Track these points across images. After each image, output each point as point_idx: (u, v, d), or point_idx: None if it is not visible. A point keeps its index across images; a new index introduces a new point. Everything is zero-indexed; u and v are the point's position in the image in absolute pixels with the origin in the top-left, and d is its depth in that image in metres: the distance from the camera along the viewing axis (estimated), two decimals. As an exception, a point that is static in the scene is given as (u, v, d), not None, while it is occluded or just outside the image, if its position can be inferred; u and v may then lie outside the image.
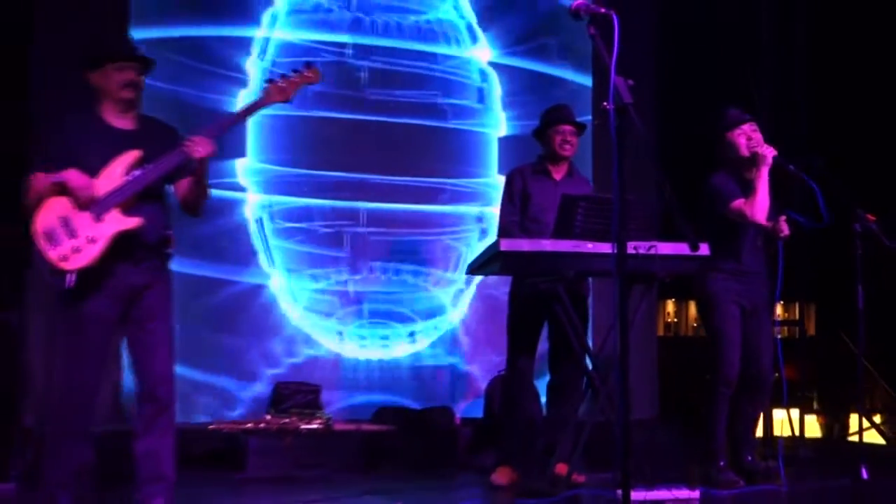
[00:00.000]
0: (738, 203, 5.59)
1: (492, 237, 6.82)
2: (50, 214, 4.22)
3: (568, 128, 5.77)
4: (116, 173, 4.28)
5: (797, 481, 5.63)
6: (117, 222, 4.24)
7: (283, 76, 4.52)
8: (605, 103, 3.17)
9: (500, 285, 7.14)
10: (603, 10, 3.24)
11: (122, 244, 4.26)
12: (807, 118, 7.93)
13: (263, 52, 6.91)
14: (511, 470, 5.73)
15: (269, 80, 4.53)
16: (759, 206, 5.54)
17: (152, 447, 4.42)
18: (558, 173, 5.83)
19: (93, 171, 4.26)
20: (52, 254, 4.17)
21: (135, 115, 4.48)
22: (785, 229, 5.65)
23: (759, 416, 6.05)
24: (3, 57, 5.62)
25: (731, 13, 7.79)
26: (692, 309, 8.90)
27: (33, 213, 4.25)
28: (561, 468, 5.48)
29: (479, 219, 7.36)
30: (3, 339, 5.41)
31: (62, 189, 4.21)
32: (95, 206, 4.22)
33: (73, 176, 4.21)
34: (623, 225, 5.16)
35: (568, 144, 5.78)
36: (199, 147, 4.29)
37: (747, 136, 5.65)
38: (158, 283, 4.44)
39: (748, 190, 5.59)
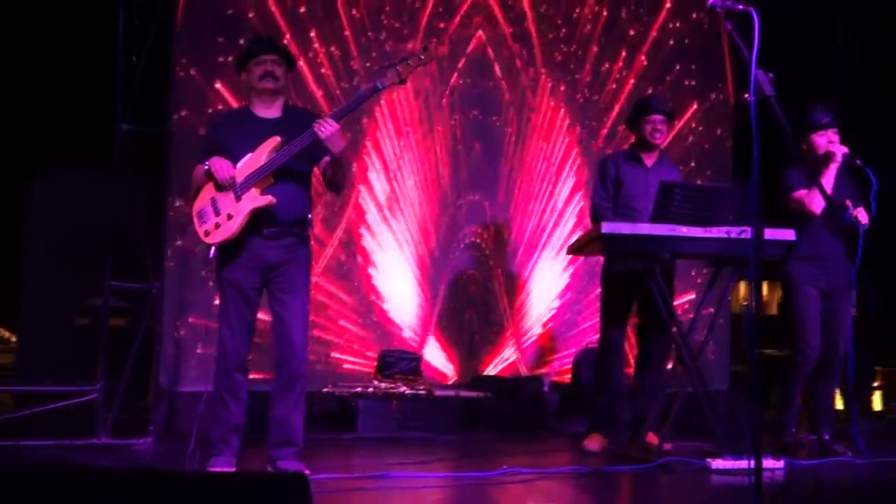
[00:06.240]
0: (800, 193, 5.57)
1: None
2: (204, 196, 4.39)
3: (658, 117, 5.68)
4: (260, 157, 4.34)
5: (872, 454, 5.48)
6: (252, 200, 4.31)
7: (401, 60, 4.45)
8: (745, 94, 3.05)
9: (592, 264, 7.07)
10: (741, 7, 3.12)
11: (258, 221, 4.33)
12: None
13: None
14: (602, 437, 5.66)
15: (388, 66, 4.47)
16: (817, 199, 5.48)
17: (285, 415, 4.46)
18: (650, 160, 5.73)
19: (242, 157, 4.37)
20: (199, 229, 4.37)
21: (281, 105, 4.53)
22: (863, 218, 5.53)
23: (834, 393, 5.89)
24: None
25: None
26: (764, 290, 8.74)
27: (194, 200, 4.44)
28: (652, 437, 5.41)
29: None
30: (147, 306, 5.42)
31: (212, 175, 4.34)
32: (237, 187, 4.31)
33: (214, 161, 4.33)
34: (720, 211, 5.18)
35: (658, 133, 5.68)
36: (325, 127, 4.28)
37: (829, 139, 5.58)
38: (295, 260, 4.46)
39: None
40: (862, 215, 5.54)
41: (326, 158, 4.45)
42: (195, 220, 4.39)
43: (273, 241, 4.39)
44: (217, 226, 4.31)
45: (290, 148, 4.32)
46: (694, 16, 7.56)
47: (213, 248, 4.36)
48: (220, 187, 4.33)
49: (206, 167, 4.35)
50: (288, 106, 4.58)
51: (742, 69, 7.19)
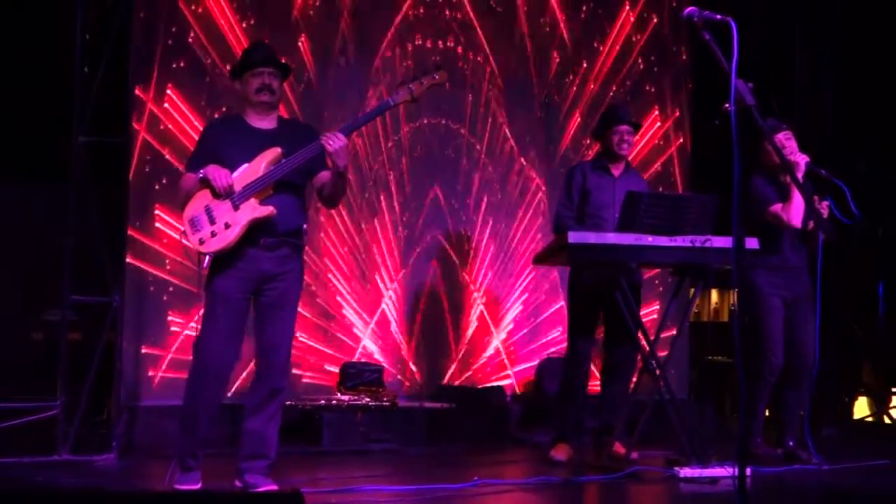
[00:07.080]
0: (776, 208, 5.62)
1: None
2: (197, 204, 4.31)
3: (625, 127, 5.73)
4: (259, 167, 4.30)
5: (834, 461, 5.54)
6: (252, 210, 4.28)
7: (413, 78, 4.46)
8: (726, 105, 3.09)
9: (555, 273, 7.11)
10: (719, 17, 3.15)
11: (256, 231, 4.30)
12: (833, 121, 7.78)
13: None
14: (568, 446, 5.69)
15: (401, 83, 4.47)
16: (794, 211, 5.58)
17: (260, 428, 4.42)
18: (616, 170, 5.78)
19: (237, 167, 4.32)
20: (193, 237, 4.29)
21: (276, 117, 4.52)
22: (824, 210, 5.58)
23: (803, 402, 5.89)
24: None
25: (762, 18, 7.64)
26: (714, 297, 8.85)
27: (183, 207, 4.35)
28: (618, 447, 5.45)
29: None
30: (107, 319, 5.34)
31: (207, 183, 4.28)
32: (235, 197, 4.26)
33: (211, 169, 4.27)
34: (685, 220, 5.24)
35: (625, 143, 5.73)
36: (333, 141, 4.26)
37: (780, 144, 5.62)
38: (290, 274, 4.43)
39: (784, 192, 5.62)
40: (823, 207, 5.58)
41: (326, 173, 4.43)
42: (187, 228, 4.29)
43: (269, 252, 4.35)
44: (213, 234, 4.26)
45: (294, 159, 4.30)
46: (654, 21, 7.67)
47: (207, 259, 4.29)
48: (216, 195, 4.27)
49: (202, 175, 4.29)
50: (282, 118, 4.58)
51: (702, 79, 7.47)
